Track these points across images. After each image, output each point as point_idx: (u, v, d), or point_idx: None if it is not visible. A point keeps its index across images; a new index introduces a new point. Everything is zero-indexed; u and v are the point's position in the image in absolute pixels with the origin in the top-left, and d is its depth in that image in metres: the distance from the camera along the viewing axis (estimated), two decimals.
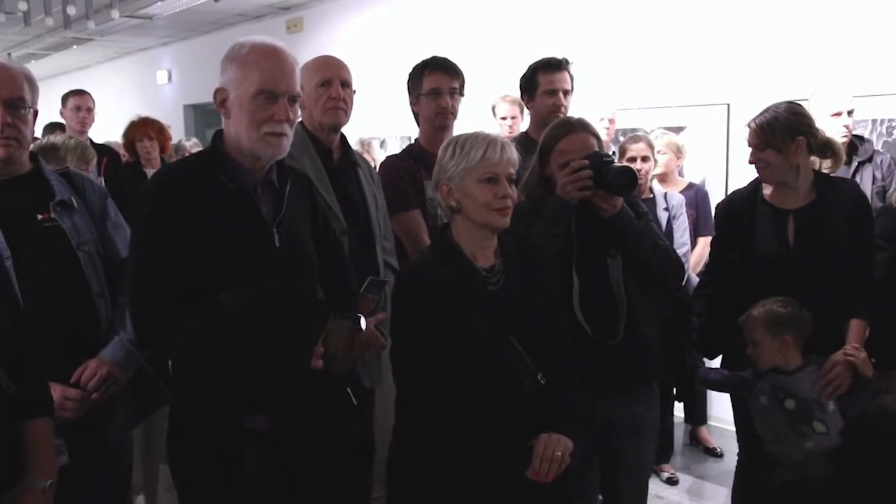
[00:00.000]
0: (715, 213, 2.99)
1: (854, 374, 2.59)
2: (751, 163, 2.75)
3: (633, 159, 3.80)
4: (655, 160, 4.12)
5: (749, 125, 2.75)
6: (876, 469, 1.90)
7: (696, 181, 4.33)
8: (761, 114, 2.73)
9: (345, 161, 2.79)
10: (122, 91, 11.09)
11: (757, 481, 2.69)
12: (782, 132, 2.66)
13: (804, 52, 4.24)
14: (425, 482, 2.08)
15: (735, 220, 2.82)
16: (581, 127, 2.44)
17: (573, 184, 2.31)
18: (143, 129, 5.31)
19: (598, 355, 2.33)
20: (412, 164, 3.03)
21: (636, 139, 3.90)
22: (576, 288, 2.34)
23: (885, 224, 2.83)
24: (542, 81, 3.35)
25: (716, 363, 2.97)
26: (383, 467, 2.14)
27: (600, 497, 2.68)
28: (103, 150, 5.06)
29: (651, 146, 3.89)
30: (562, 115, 3.11)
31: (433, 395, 2.01)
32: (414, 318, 2.03)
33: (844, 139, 3.57)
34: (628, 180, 2.31)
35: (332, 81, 2.69)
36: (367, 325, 2.29)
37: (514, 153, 2.08)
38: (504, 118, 4.75)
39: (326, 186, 2.58)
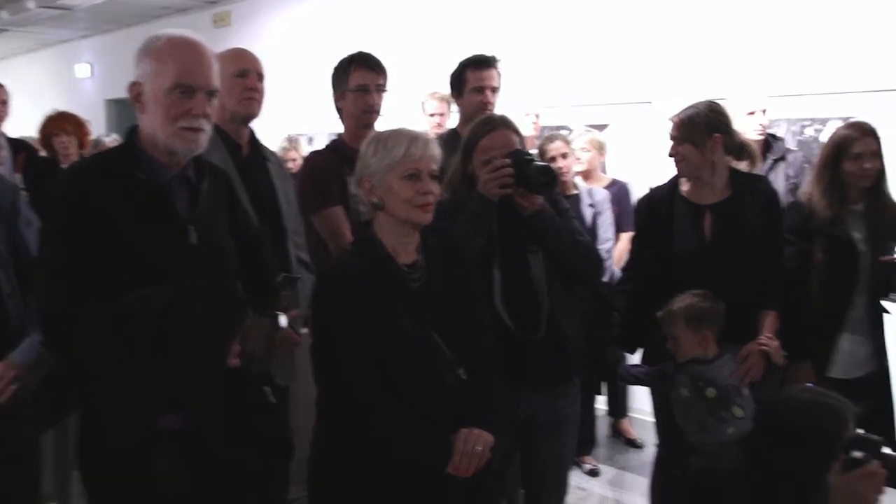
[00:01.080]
0: (635, 209, 3.05)
1: (766, 362, 2.70)
2: (670, 156, 2.82)
3: (552, 158, 3.84)
4: (578, 157, 4.19)
5: (672, 119, 2.83)
6: (782, 456, 1.97)
7: (620, 178, 4.41)
8: (684, 110, 2.82)
9: (254, 156, 2.76)
10: (41, 84, 10.74)
11: (674, 471, 2.75)
12: (701, 128, 2.75)
13: (723, 53, 4.37)
14: (347, 480, 2.07)
15: (654, 215, 2.89)
16: (503, 124, 2.46)
17: (494, 181, 2.33)
18: (59, 124, 5.13)
19: (520, 351, 2.36)
20: (335, 160, 3.01)
21: (552, 139, 3.94)
22: (498, 284, 2.36)
23: (794, 219, 2.93)
24: (471, 78, 3.37)
25: (639, 358, 3.03)
26: (302, 467, 2.12)
27: (522, 492, 2.71)
28: (19, 144, 4.90)
29: (568, 144, 3.94)
30: (489, 113, 3.13)
31: (355, 393, 2.00)
32: (335, 316, 2.01)
33: (759, 137, 3.70)
34: (548, 179, 2.34)
35: (249, 72, 2.66)
36: (286, 322, 2.27)
37: (436, 149, 2.08)
38: (432, 115, 4.76)
39: (237, 182, 2.54)
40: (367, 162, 2.08)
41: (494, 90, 3.36)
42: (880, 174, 2.90)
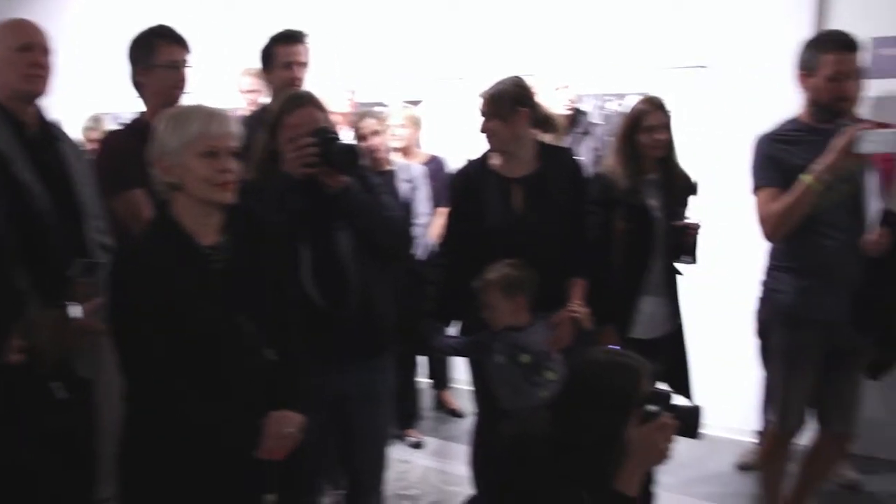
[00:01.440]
0: (449, 184, 3.09)
1: (576, 327, 2.84)
2: (481, 132, 2.88)
3: (364, 136, 3.83)
4: (395, 134, 4.19)
5: (481, 95, 2.88)
6: (582, 415, 2.08)
7: (436, 153, 4.45)
8: (492, 86, 2.88)
9: (44, 135, 2.54)
10: None
11: (490, 437, 2.84)
12: (507, 103, 2.82)
13: (532, 30, 4.49)
14: (157, 471, 1.99)
15: (466, 189, 2.94)
16: (309, 101, 2.42)
17: (299, 160, 2.28)
18: None
19: (330, 327, 2.34)
20: (135, 140, 2.83)
21: (363, 115, 3.91)
22: (306, 261, 2.33)
23: (597, 190, 3.06)
24: (280, 54, 3.31)
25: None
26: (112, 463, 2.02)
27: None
28: None
29: (380, 120, 3.93)
30: (295, 89, 3.07)
31: (159, 380, 1.92)
32: (132, 299, 1.92)
33: (567, 111, 3.85)
34: (351, 158, 2.32)
35: (33, 46, 2.45)
36: (81, 312, 2.13)
37: (235, 126, 2.01)
38: (247, 91, 4.63)
39: (22, 162, 2.35)
40: (163, 140, 1.98)
41: (303, 66, 3.31)
42: (670, 145, 3.09)
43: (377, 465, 2.68)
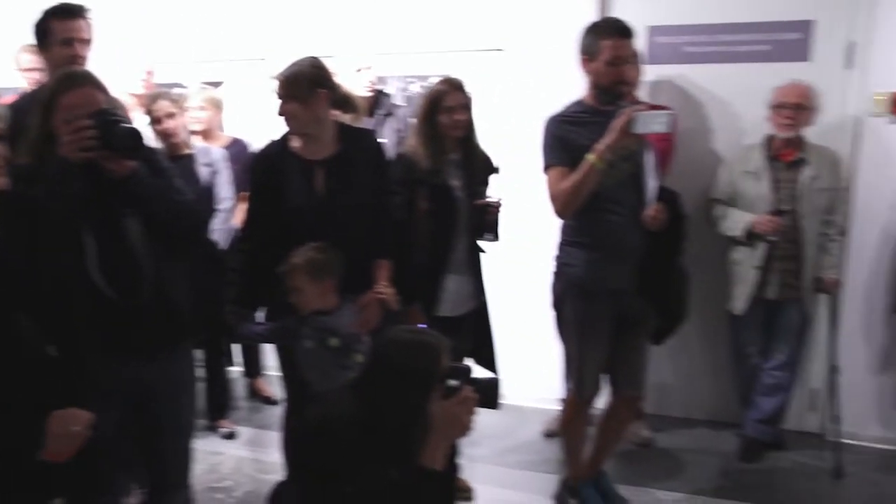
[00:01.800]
0: (248, 167, 3.01)
1: (384, 309, 2.85)
2: (279, 115, 2.82)
3: (159, 119, 3.67)
4: (195, 116, 4.04)
5: (276, 77, 2.81)
6: (385, 393, 2.10)
7: (239, 136, 4.32)
8: (287, 67, 2.82)
9: None
10: None
11: (296, 422, 2.82)
12: (305, 85, 2.77)
13: (333, 12, 4.44)
14: None
15: (267, 172, 2.87)
16: (88, 81, 2.25)
17: (75, 143, 2.12)
18: None
19: (124, 318, 2.22)
20: None
21: (156, 97, 3.73)
22: (92, 250, 2.18)
23: (399, 171, 3.09)
24: (56, 29, 3.07)
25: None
26: None
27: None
28: None
29: (175, 102, 3.77)
30: (72, 67, 2.86)
31: None
32: None
33: (369, 93, 3.85)
34: (134, 142, 2.18)
35: None
36: None
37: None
38: (27, 70, 4.27)
39: None
40: None
41: (85, 43, 3.09)
42: (471, 125, 3.16)
43: (182, 459, 2.58)
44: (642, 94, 3.86)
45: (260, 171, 2.91)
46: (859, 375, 3.91)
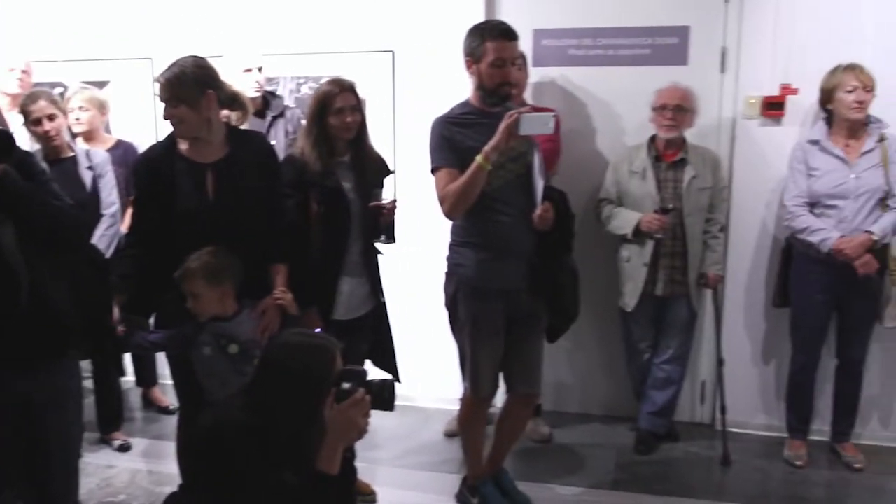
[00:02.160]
0: (133, 171, 2.90)
1: (283, 313, 2.82)
2: (165, 118, 2.73)
3: (37, 121, 3.52)
4: (78, 118, 3.91)
5: (157, 80, 2.72)
6: (278, 398, 2.07)
7: (125, 139, 4.18)
8: (168, 68, 2.72)
9: None
10: None
11: (189, 430, 2.74)
12: (192, 86, 2.70)
13: (222, 11, 4.35)
14: None
15: (153, 175, 2.78)
16: None
17: None
18: None
19: (1, 329, 2.13)
20: None
21: (35, 97, 3.56)
22: None
23: (289, 173, 3.05)
24: None
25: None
26: None
27: None
28: None
29: (55, 102, 3.62)
30: None
31: None
32: None
33: (257, 94, 3.78)
34: (2, 144, 2.09)
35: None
36: None
37: None
38: None
39: None
40: None
41: None
42: (362, 127, 3.14)
43: (67, 472, 2.49)
44: (528, 95, 3.94)
45: (145, 174, 2.81)
46: (744, 367, 4.08)
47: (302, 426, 2.08)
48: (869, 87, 3.46)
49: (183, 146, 2.79)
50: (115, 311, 2.67)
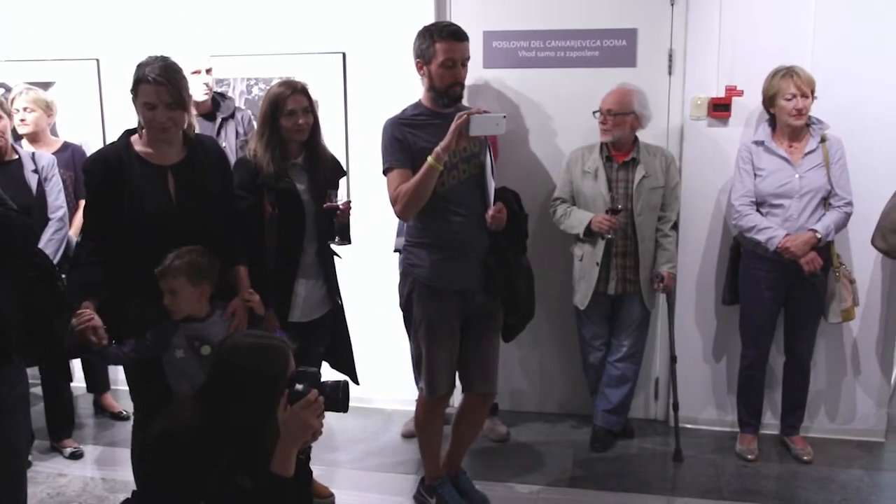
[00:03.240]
0: (85, 172, 2.82)
1: (251, 314, 2.84)
2: (159, 122, 2.68)
3: None
4: (23, 119, 3.84)
5: (157, 80, 2.65)
6: (230, 401, 2.07)
7: (71, 141, 4.11)
8: (164, 70, 2.69)
9: None
10: None
11: (142, 436, 2.70)
12: (185, 89, 2.73)
13: (168, 11, 4.30)
14: None
15: (110, 177, 2.70)
16: None
17: None
18: None
19: None
20: None
21: None
22: None
23: (243, 175, 3.04)
24: None
25: None
26: None
27: None
28: None
29: (1, 104, 3.54)
30: None
31: None
32: None
33: (206, 96, 3.75)
34: None
35: None
36: None
37: None
38: None
39: None
40: None
41: None
42: (315, 128, 3.12)
43: (14, 482, 2.43)
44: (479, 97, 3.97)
45: (101, 175, 2.72)
46: (695, 364, 4.14)
47: (255, 428, 2.08)
48: (807, 93, 3.52)
49: (139, 147, 2.75)
50: (85, 319, 2.58)
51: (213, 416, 2.09)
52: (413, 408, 3.42)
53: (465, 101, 3.20)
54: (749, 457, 3.85)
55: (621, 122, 3.69)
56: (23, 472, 2.49)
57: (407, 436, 4.08)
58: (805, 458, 3.82)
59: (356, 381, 3.33)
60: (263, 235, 3.06)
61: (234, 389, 2.08)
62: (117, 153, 2.75)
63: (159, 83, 2.65)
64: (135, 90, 2.71)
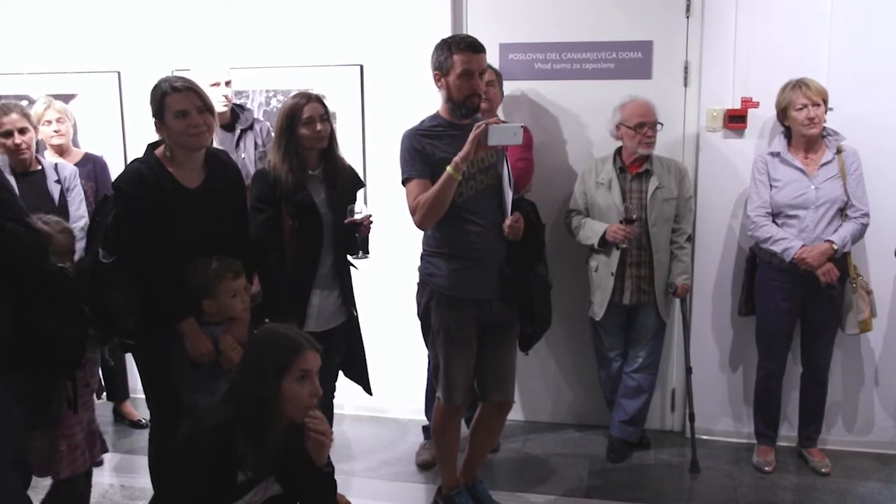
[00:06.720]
0: (122, 189, 2.77)
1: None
2: (193, 128, 2.74)
3: (9, 133, 3.50)
4: (58, 130, 3.91)
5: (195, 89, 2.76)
6: (245, 380, 2.18)
7: (91, 152, 4.16)
8: (180, 80, 2.78)
9: None
10: None
11: (166, 441, 2.73)
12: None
13: (189, 24, 4.35)
14: None
15: (151, 196, 2.73)
16: None
17: None
18: None
19: None
20: None
21: (6, 110, 3.55)
22: None
23: (261, 188, 3.07)
24: None
25: None
26: None
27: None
28: None
29: (27, 115, 3.60)
30: None
31: None
32: None
33: (225, 108, 3.78)
34: None
35: None
36: None
37: None
38: None
39: None
40: None
41: None
42: (332, 138, 3.14)
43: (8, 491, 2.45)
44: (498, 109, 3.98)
45: (141, 193, 2.72)
46: (712, 375, 4.13)
47: (262, 401, 2.13)
48: (818, 102, 3.52)
49: (170, 168, 2.79)
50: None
51: (230, 401, 2.19)
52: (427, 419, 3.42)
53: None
54: (766, 468, 3.83)
55: (656, 132, 3.72)
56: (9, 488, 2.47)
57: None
58: (823, 470, 3.80)
59: (369, 392, 3.35)
60: (282, 247, 3.08)
61: (248, 367, 2.22)
62: (152, 171, 2.76)
63: (187, 89, 2.73)
64: (160, 106, 2.75)
